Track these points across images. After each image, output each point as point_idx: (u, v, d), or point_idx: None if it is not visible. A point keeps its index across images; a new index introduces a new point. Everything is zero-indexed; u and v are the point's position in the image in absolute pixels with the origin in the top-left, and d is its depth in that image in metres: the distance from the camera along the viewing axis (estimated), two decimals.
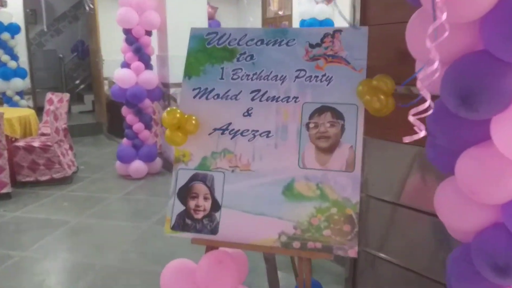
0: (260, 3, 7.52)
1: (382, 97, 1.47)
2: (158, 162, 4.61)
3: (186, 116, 1.62)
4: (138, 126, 4.41)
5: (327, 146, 1.59)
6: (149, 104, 4.50)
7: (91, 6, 5.09)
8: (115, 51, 6.85)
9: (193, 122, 1.62)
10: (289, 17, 6.94)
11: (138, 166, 4.38)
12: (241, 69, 1.73)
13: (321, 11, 5.29)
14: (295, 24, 6.68)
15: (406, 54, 1.52)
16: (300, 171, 1.60)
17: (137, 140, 4.45)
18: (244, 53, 1.74)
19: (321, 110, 1.61)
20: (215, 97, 1.72)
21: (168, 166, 4.73)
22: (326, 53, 1.66)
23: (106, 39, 6.77)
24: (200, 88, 1.75)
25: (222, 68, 1.75)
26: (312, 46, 1.69)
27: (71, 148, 4.79)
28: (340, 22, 5.70)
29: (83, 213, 3.49)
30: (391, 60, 1.78)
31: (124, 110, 4.44)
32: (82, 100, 8.50)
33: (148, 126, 4.51)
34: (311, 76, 1.65)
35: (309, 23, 5.37)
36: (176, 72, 4.52)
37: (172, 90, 4.55)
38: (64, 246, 2.96)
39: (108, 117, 6.89)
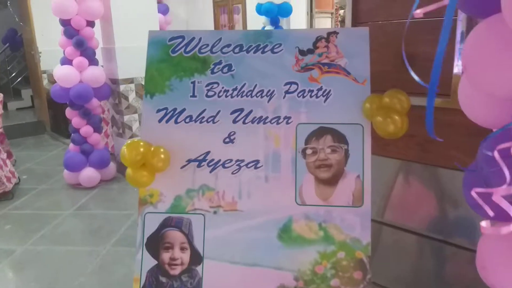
0: None
1: (396, 117, 1.21)
2: (112, 167, 4.16)
3: (152, 148, 1.28)
4: (86, 129, 3.91)
5: (329, 176, 1.32)
6: (97, 104, 4.00)
7: None
8: (54, 40, 6.17)
9: (162, 156, 1.28)
10: (242, 0, 6.53)
11: (89, 174, 3.91)
12: (217, 83, 1.40)
13: None
14: (249, 7, 6.30)
15: (409, 58, 1.28)
16: (298, 209, 1.32)
17: (86, 145, 3.96)
18: (220, 62, 1.41)
19: (320, 132, 1.33)
20: (187, 119, 1.38)
21: (123, 170, 4.30)
22: (321, 61, 1.37)
23: (42, 27, 6.04)
24: (166, 109, 1.40)
25: (193, 83, 1.40)
26: (302, 52, 1.38)
27: (9, 156, 4.20)
28: (298, 6, 5.42)
29: (30, 237, 3.03)
30: (388, 65, 1.53)
31: (69, 112, 3.92)
32: (20, 95, 7.66)
33: (97, 129, 4.02)
34: (304, 91, 1.36)
35: (266, 7, 5.03)
36: (125, 66, 4.06)
37: (122, 87, 4.08)
38: (9, 286, 2.52)
39: (51, 114, 6.23)
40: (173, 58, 1.43)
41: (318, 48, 1.38)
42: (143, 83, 4.17)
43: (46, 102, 6.04)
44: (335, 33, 1.38)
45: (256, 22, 6.20)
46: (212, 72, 1.40)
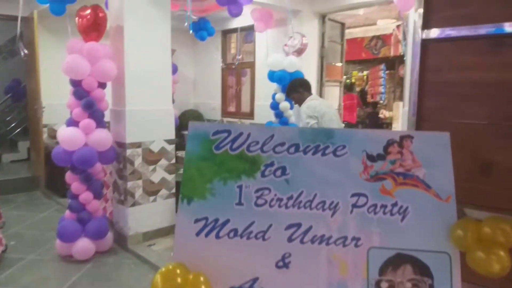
0: (220, 46, 7.10)
1: (502, 254, 0.97)
2: (109, 237, 3.82)
3: (191, 276, 1.01)
4: (86, 195, 3.62)
5: None
6: (100, 168, 3.75)
7: (25, 51, 4.33)
8: (59, 94, 6.03)
9: (203, 287, 1.01)
10: (251, 64, 6.55)
11: (84, 245, 3.56)
12: (269, 189, 1.16)
13: (291, 63, 4.92)
14: (259, 73, 6.30)
15: (485, 167, 1.07)
16: None
17: (84, 213, 3.65)
18: (272, 164, 1.18)
19: (397, 260, 1.08)
20: (231, 234, 1.13)
21: (121, 240, 3.95)
22: (394, 170, 1.15)
23: (48, 81, 5.93)
24: (206, 219, 1.15)
25: (240, 187, 1.17)
26: (371, 158, 1.17)
27: None
28: (309, 75, 5.40)
29: None
30: (461, 172, 1.31)
31: (69, 176, 3.65)
32: (16, 147, 7.40)
33: (98, 195, 3.74)
34: (375, 206, 1.13)
35: (278, 75, 4.96)
36: (133, 129, 3.86)
37: (128, 151, 3.85)
38: None
39: (47, 169, 5.93)
40: (217, 156, 1.21)
41: (390, 154, 1.17)
42: (150, 147, 3.96)
43: (43, 157, 5.77)
44: (410, 137, 1.18)
45: (265, 86, 6.16)
46: (263, 175, 1.17)
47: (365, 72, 10.27)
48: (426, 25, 1.34)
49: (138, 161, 3.92)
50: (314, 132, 1.21)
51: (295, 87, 3.83)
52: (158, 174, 4.09)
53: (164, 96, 4.13)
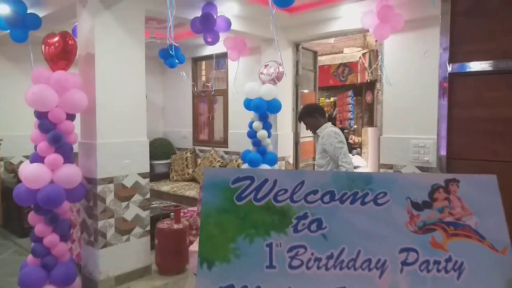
0: (190, 73, 6.94)
1: None
2: (77, 283, 3.45)
3: None
4: (51, 238, 3.27)
5: None
6: (67, 208, 3.42)
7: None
8: (17, 126, 5.61)
9: None
10: (224, 92, 6.44)
11: None
12: (305, 247, 1.00)
13: (267, 91, 4.84)
14: (232, 100, 6.19)
15: None
16: None
17: (49, 258, 3.28)
18: (305, 216, 1.02)
19: None
20: None
21: (90, 286, 3.59)
22: (444, 219, 1.02)
23: (6, 111, 5.51)
24: (232, 287, 0.95)
25: (270, 246, 1.00)
26: (417, 206, 1.04)
27: None
28: (285, 102, 5.33)
29: None
30: None
31: (32, 217, 3.29)
32: None
33: (64, 237, 3.38)
34: (428, 262, 0.98)
35: (255, 103, 4.85)
36: (105, 163, 3.58)
37: (99, 188, 3.55)
38: None
39: (3, 206, 5.44)
40: (240, 208, 1.03)
41: (436, 201, 1.04)
42: (123, 182, 3.68)
43: None
44: (456, 181, 1.06)
45: (238, 113, 6.04)
46: (296, 230, 1.01)
47: (332, 99, 10.44)
48: (452, 58, 1.26)
49: (109, 198, 3.62)
50: (350, 177, 1.06)
51: (311, 112, 3.69)
52: (132, 211, 3.80)
53: (138, 127, 3.89)
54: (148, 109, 6.23)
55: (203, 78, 7.06)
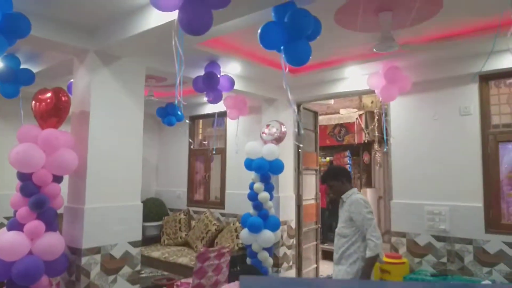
0: (187, 132, 6.73)
1: None
2: None
3: None
4: None
5: None
6: (46, 283, 2.99)
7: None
8: (3, 183, 5.23)
9: None
10: (222, 151, 6.20)
11: None
12: None
13: (270, 151, 4.61)
14: (230, 159, 5.95)
15: None
16: None
17: None
18: None
19: None
20: None
21: None
22: None
23: None
24: None
25: None
26: None
27: None
28: (287, 162, 5.09)
29: None
30: None
31: None
32: None
33: None
34: None
35: (257, 163, 4.60)
36: (93, 231, 3.21)
37: (84, 259, 3.14)
38: None
39: None
40: None
41: None
42: (111, 252, 3.29)
43: None
44: None
45: (237, 173, 5.77)
46: None
47: (327, 158, 10.26)
48: None
49: (95, 271, 3.20)
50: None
51: (337, 175, 3.36)
52: (119, 286, 3.36)
53: (132, 190, 3.58)
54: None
55: (200, 137, 6.85)
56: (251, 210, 4.68)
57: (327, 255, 7.59)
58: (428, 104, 4.21)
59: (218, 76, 3.97)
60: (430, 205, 4.07)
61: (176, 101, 3.28)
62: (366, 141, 8.51)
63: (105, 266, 3.27)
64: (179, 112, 5.96)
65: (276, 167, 4.68)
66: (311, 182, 5.70)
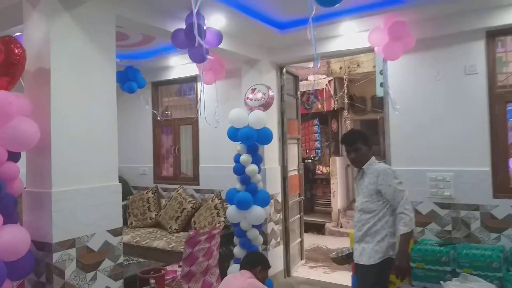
0: (150, 100, 6.00)
1: None
2: None
3: None
4: None
5: None
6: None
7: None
8: None
9: None
10: (193, 120, 5.57)
11: None
12: None
13: (258, 118, 4.09)
14: (204, 130, 5.36)
15: None
16: None
17: None
18: None
19: None
20: None
21: None
22: None
23: None
24: None
25: None
26: None
27: None
28: (272, 131, 4.62)
29: None
30: None
31: None
32: None
33: None
34: None
35: (244, 133, 4.07)
36: (64, 221, 2.58)
37: (56, 256, 2.51)
38: None
39: None
40: None
41: None
42: (88, 245, 2.68)
43: None
44: None
45: (211, 145, 5.23)
46: None
47: None
48: None
49: (70, 269, 2.59)
50: None
51: (368, 140, 2.92)
52: (100, 283, 2.78)
53: (108, 168, 2.96)
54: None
55: (165, 105, 6.14)
56: (238, 185, 4.18)
57: (309, 227, 7.41)
58: (430, 64, 3.91)
59: (204, 28, 3.34)
60: (433, 171, 3.83)
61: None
62: (335, 108, 8.26)
63: (82, 262, 2.65)
64: (141, 78, 5.24)
65: (264, 136, 4.19)
66: (293, 152, 5.30)
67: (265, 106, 4.22)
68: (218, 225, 4.28)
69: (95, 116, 2.83)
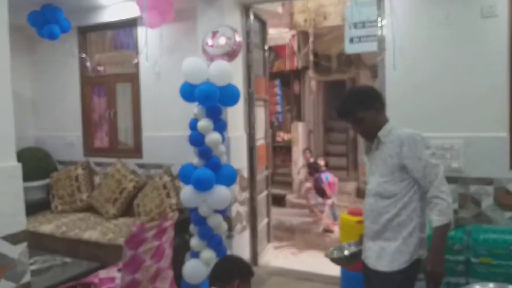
0: (77, 51, 4.74)
1: None
2: None
3: None
4: None
5: None
6: None
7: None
8: None
9: None
10: (133, 77, 4.45)
11: None
12: None
13: (221, 71, 3.12)
14: (146, 89, 4.31)
15: None
16: None
17: None
18: None
19: None
20: None
21: None
22: None
23: None
24: None
25: None
26: None
27: None
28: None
29: None
30: None
31: None
32: None
33: None
34: None
35: (204, 90, 3.09)
36: None
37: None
38: None
39: None
40: None
41: None
42: None
43: None
44: None
45: (158, 108, 4.20)
46: None
47: None
48: None
49: None
50: None
51: (367, 100, 2.06)
52: None
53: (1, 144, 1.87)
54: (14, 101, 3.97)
55: (97, 58, 4.90)
56: (195, 159, 3.23)
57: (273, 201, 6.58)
58: (438, 3, 3.12)
59: None
60: (439, 138, 3.13)
61: None
62: (299, 68, 7.40)
63: None
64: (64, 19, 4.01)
65: (229, 95, 3.23)
66: (260, 116, 4.40)
67: (231, 55, 3.25)
68: (171, 214, 3.32)
69: None
